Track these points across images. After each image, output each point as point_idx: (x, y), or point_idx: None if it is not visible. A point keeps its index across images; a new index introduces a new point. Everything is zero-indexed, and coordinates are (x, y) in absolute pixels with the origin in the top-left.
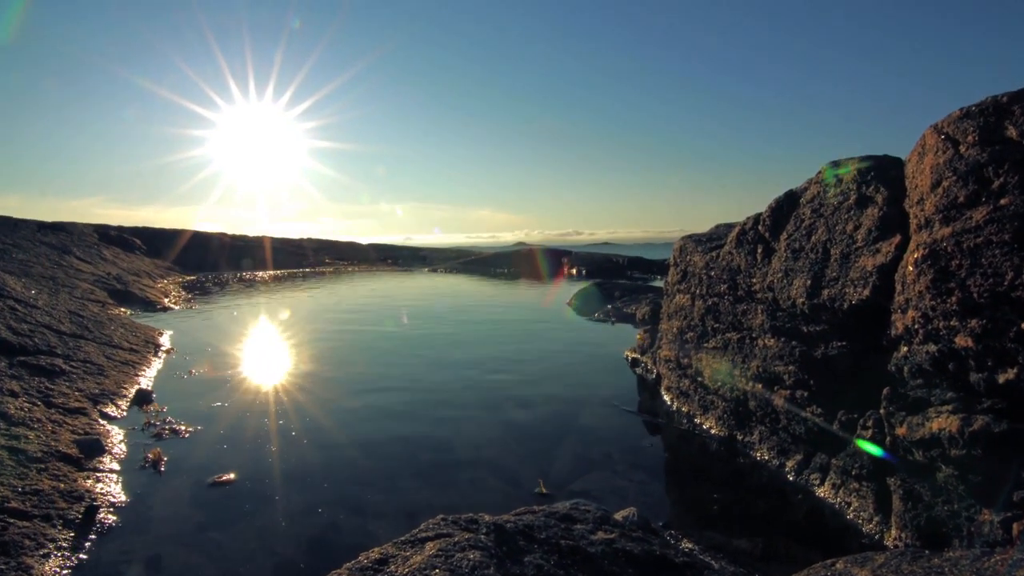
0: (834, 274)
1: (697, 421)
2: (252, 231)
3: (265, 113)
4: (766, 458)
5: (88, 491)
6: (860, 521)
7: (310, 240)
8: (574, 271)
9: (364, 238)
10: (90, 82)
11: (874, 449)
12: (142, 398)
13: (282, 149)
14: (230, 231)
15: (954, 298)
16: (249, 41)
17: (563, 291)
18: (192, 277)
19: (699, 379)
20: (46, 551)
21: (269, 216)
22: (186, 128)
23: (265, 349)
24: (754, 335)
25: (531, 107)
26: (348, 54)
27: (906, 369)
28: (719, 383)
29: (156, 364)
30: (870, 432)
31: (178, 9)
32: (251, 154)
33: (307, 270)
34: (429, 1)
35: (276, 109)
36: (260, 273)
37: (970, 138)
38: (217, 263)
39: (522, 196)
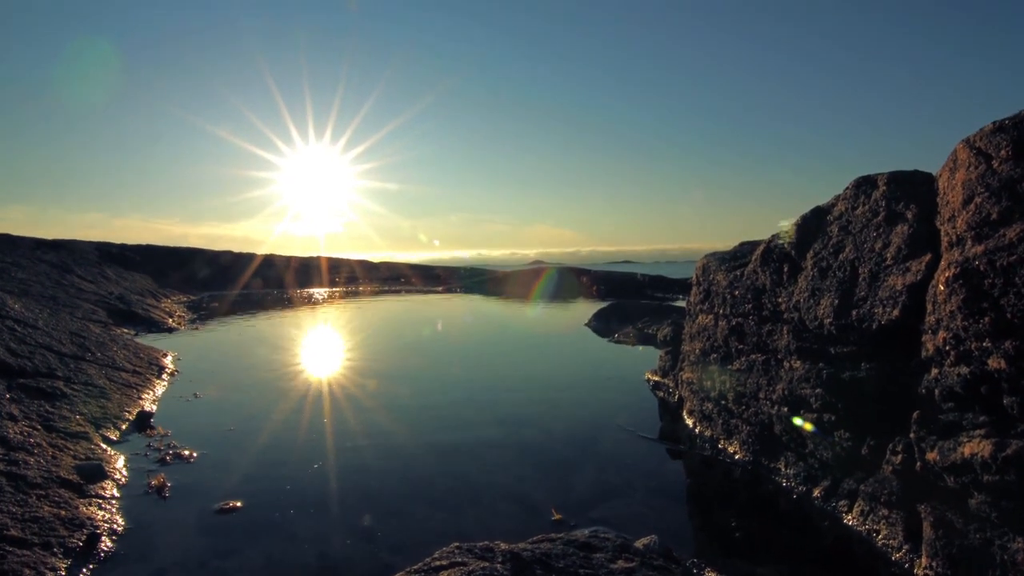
0: (862, 293)
1: (721, 445)
2: (261, 250)
3: (318, 154)
4: (792, 484)
5: (89, 518)
6: (889, 549)
7: (321, 258)
8: (594, 290)
9: (376, 254)
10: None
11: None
12: (145, 422)
13: (318, 177)
14: (236, 250)
15: (987, 318)
16: (309, 91)
17: (581, 311)
18: (196, 296)
19: (723, 402)
20: None
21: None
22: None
23: (270, 370)
24: (780, 357)
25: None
26: (398, 100)
27: (937, 392)
28: (743, 406)
29: (160, 386)
30: (900, 457)
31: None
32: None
33: (317, 289)
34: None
35: (333, 151)
36: (262, 291)
37: (1003, 152)
38: (219, 282)
39: (576, 214)
